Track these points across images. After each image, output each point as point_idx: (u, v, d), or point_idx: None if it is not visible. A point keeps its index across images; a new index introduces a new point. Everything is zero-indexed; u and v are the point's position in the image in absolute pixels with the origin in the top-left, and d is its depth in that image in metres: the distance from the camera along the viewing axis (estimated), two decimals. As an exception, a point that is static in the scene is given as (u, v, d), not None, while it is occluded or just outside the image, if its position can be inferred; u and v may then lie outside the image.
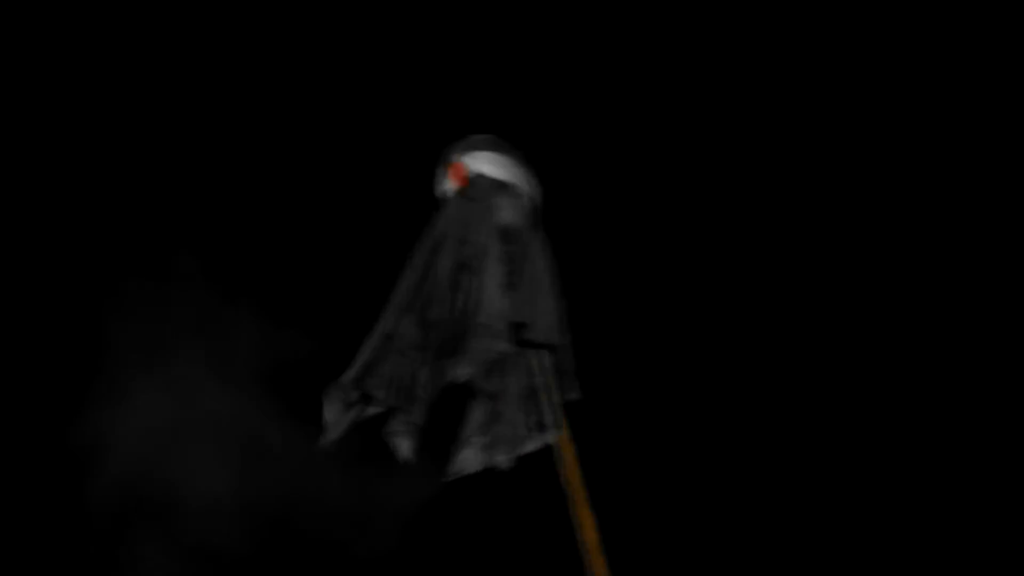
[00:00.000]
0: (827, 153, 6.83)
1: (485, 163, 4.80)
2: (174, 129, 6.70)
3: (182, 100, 6.74)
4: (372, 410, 4.56)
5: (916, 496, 6.47)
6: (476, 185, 4.75)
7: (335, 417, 4.52)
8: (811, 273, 6.70)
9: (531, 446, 4.56)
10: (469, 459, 4.57)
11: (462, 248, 4.65)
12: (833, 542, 6.45)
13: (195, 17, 6.77)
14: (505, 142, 4.90)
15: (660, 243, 6.73)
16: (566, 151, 6.56)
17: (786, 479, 6.52)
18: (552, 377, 4.62)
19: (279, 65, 6.82)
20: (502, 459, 4.56)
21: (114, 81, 6.73)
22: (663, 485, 6.44)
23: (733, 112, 6.83)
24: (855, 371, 6.62)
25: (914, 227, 6.77)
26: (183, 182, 6.66)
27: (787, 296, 6.68)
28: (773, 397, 6.59)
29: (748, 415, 6.56)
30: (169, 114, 6.72)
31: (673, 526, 6.40)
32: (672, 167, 6.80)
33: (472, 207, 4.71)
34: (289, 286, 6.50)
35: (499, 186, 4.76)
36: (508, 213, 4.72)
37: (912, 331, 6.67)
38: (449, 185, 4.80)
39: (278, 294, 6.47)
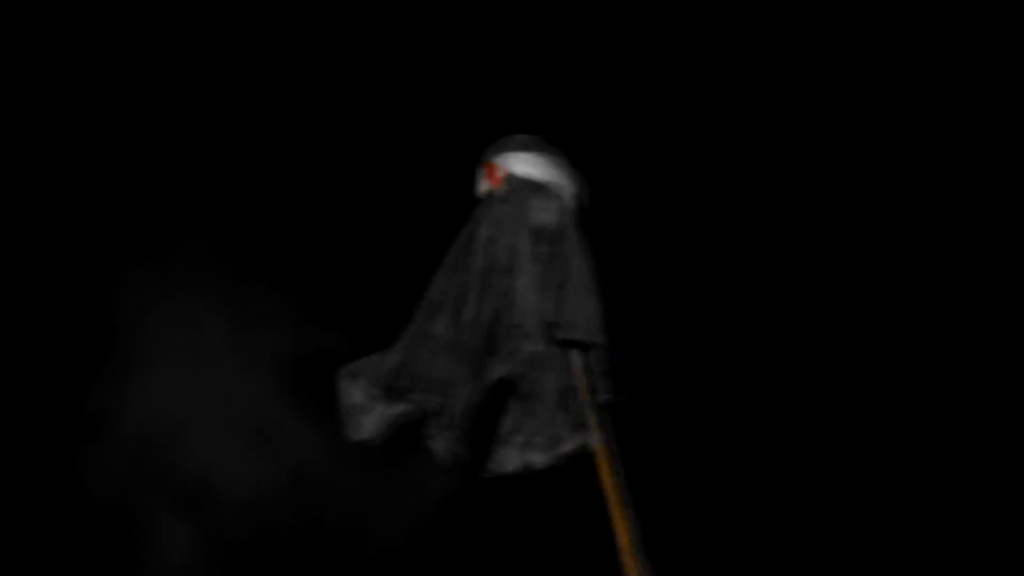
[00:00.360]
0: (872, 158, 6.79)
1: (520, 163, 4.79)
2: (214, 127, 6.74)
3: (224, 101, 6.78)
4: (402, 409, 4.57)
5: (956, 498, 6.43)
6: (511, 185, 4.75)
7: (356, 412, 4.54)
8: (855, 277, 6.66)
9: (568, 447, 4.56)
10: (507, 458, 4.58)
11: (495, 248, 4.65)
12: (871, 546, 6.41)
13: (233, 18, 6.80)
14: (544, 142, 4.89)
15: (703, 244, 6.71)
16: (610, 151, 6.54)
17: (822, 483, 6.48)
18: (590, 377, 4.62)
19: (321, 64, 6.84)
20: (539, 459, 4.56)
21: (162, 78, 6.77)
22: (700, 488, 6.41)
23: (776, 113, 6.80)
24: (900, 377, 6.58)
25: (948, 229, 6.73)
26: (223, 179, 6.70)
27: (830, 300, 6.65)
28: (813, 400, 6.55)
29: (787, 419, 6.52)
30: (209, 113, 6.76)
31: (709, 529, 6.37)
32: (717, 168, 6.78)
33: (507, 207, 4.71)
34: (325, 284, 6.52)
35: (534, 186, 4.76)
36: (543, 213, 4.71)
37: (952, 334, 6.62)
38: (485, 185, 4.81)
39: (314, 291, 6.50)
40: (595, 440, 4.59)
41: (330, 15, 6.84)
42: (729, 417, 6.50)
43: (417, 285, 4.73)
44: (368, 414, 4.58)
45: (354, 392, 4.59)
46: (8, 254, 6.53)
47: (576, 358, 4.64)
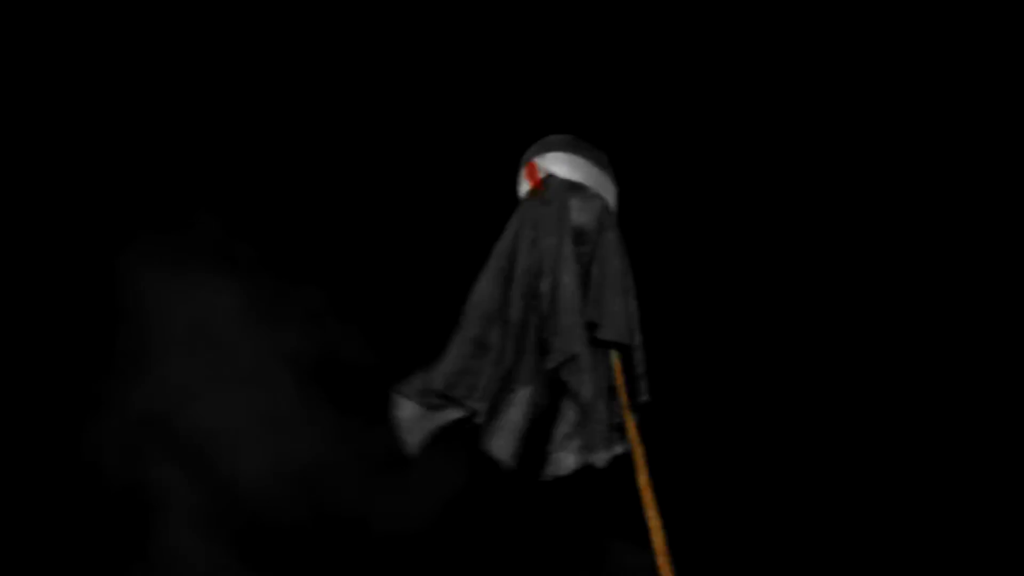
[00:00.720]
0: (913, 164, 6.78)
1: (560, 164, 4.79)
2: (256, 125, 6.74)
3: (257, 101, 6.78)
4: (456, 414, 4.56)
5: (978, 499, 6.42)
6: (550, 186, 4.74)
7: (413, 422, 4.53)
8: (893, 283, 6.64)
9: (621, 448, 4.57)
10: (565, 460, 4.58)
11: (538, 250, 4.64)
12: (901, 548, 6.39)
13: (273, 18, 6.81)
14: (583, 142, 4.89)
15: (739, 246, 6.69)
16: (648, 151, 6.53)
17: (853, 484, 6.47)
18: (626, 378, 4.61)
19: (358, 64, 6.84)
20: (598, 459, 4.57)
21: (195, 78, 6.78)
22: (733, 489, 6.41)
23: (814, 117, 6.78)
24: (935, 380, 6.56)
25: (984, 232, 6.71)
26: (267, 178, 6.71)
27: (865, 304, 6.63)
28: (845, 403, 6.54)
29: (820, 421, 6.51)
30: (251, 112, 6.76)
31: (741, 530, 6.37)
32: (754, 172, 6.76)
33: (548, 209, 4.70)
34: (363, 284, 6.53)
35: (574, 187, 4.76)
36: (583, 214, 4.71)
37: (984, 338, 6.60)
38: (525, 186, 4.80)
39: (351, 291, 6.51)
40: (631, 441, 4.59)
41: (370, 16, 6.84)
42: (762, 419, 6.49)
43: (454, 286, 4.74)
44: (422, 424, 4.56)
45: (407, 406, 4.57)
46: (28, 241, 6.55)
47: (614, 359, 4.64)
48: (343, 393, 6.41)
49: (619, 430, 4.57)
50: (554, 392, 4.60)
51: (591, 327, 4.58)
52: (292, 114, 6.76)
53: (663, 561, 4.44)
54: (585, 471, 4.59)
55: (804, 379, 6.54)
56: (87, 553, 6.31)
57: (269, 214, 6.65)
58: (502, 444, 4.54)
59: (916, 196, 6.75)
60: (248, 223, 6.61)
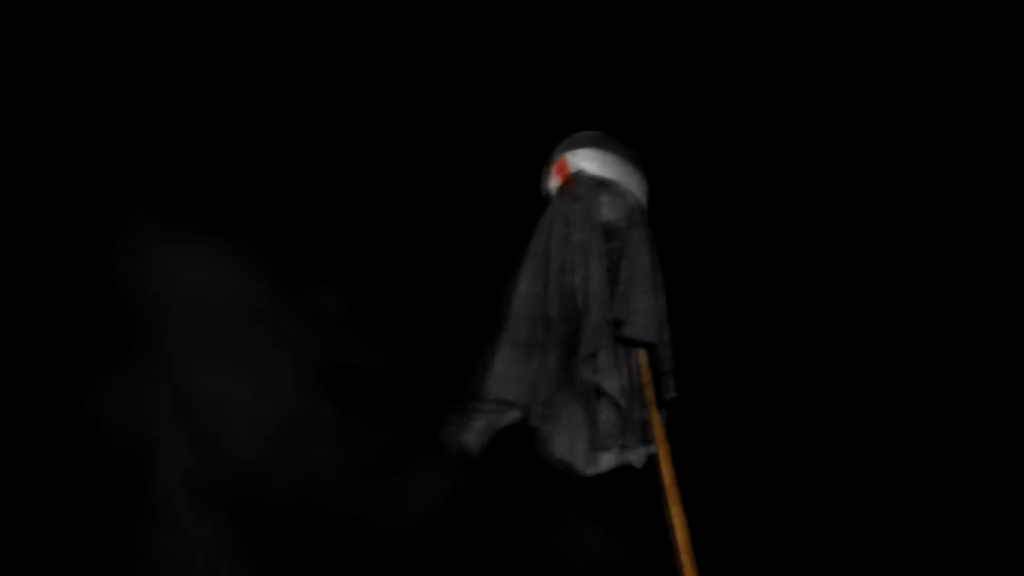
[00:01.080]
0: (943, 157, 6.73)
1: (588, 160, 4.79)
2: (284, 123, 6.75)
3: (279, 98, 6.78)
4: (510, 417, 4.55)
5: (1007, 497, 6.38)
6: (579, 182, 4.75)
7: (471, 429, 4.52)
8: (927, 278, 6.59)
9: (648, 449, 4.57)
10: (603, 458, 4.58)
11: (568, 247, 4.64)
12: (929, 546, 6.36)
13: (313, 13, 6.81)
14: (612, 139, 4.88)
15: (768, 243, 6.66)
16: (676, 147, 6.50)
17: (881, 483, 6.44)
18: (652, 376, 4.61)
19: (383, 60, 6.84)
20: (635, 458, 4.57)
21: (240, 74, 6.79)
22: (757, 489, 6.39)
23: (846, 110, 6.74)
24: (969, 379, 6.52)
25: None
26: (293, 178, 6.72)
27: (897, 300, 6.59)
28: (872, 400, 6.50)
29: (846, 418, 6.48)
30: (283, 108, 6.77)
31: (765, 530, 6.35)
32: (786, 166, 6.72)
33: (576, 205, 4.71)
34: (387, 284, 6.53)
35: (602, 183, 4.76)
36: (612, 210, 4.71)
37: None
38: (554, 182, 4.80)
39: (379, 293, 6.51)
40: (656, 438, 4.58)
41: (396, 9, 6.84)
42: (789, 417, 6.47)
43: (484, 283, 4.74)
44: (476, 427, 4.56)
45: (466, 425, 4.57)
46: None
47: (639, 356, 4.64)
48: (345, 386, 6.42)
49: (646, 428, 4.56)
50: (593, 391, 4.59)
51: (617, 324, 4.58)
52: (312, 109, 6.76)
53: (687, 559, 4.43)
54: (613, 470, 4.60)
55: (834, 378, 6.51)
56: (84, 518, 6.31)
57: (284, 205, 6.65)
58: (564, 445, 4.53)
59: (959, 188, 6.70)
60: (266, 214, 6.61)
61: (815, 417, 6.48)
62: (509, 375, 4.52)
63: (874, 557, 6.37)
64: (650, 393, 4.62)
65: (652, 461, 4.56)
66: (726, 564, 4.80)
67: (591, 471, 4.58)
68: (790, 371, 6.48)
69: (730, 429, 6.36)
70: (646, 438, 4.57)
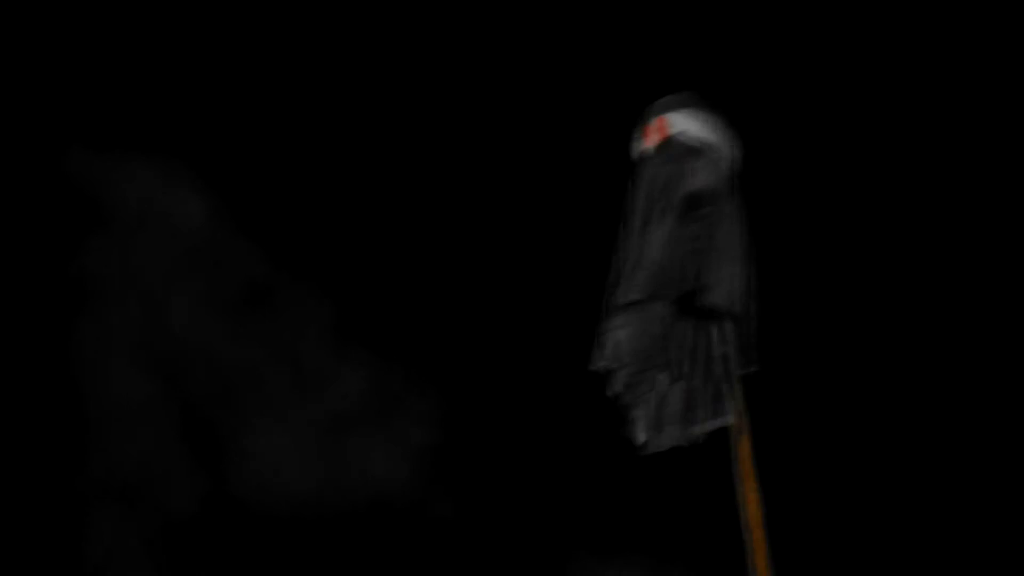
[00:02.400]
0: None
1: (686, 122, 4.68)
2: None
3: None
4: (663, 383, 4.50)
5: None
6: (674, 145, 4.64)
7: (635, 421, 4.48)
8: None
9: (721, 422, 4.49)
10: (670, 435, 4.51)
11: (660, 211, 4.56)
12: (1002, 535, 6.25)
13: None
14: (703, 102, 4.78)
15: (862, 216, 6.51)
16: (770, 113, 6.38)
17: (960, 471, 6.31)
18: (730, 348, 4.52)
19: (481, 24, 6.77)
20: (697, 432, 4.50)
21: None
22: (835, 468, 6.28)
23: (952, 84, 6.55)
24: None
25: None
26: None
27: (991, 286, 6.43)
28: (961, 387, 6.36)
29: (931, 405, 6.35)
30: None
31: (839, 509, 6.25)
32: (882, 139, 6.56)
33: (669, 168, 4.61)
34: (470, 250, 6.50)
35: (693, 148, 4.65)
36: (701, 176, 4.60)
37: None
38: (649, 142, 4.70)
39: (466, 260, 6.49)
40: (734, 411, 4.49)
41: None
42: (874, 397, 6.34)
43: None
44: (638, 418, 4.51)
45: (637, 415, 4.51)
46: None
47: (718, 327, 4.54)
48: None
49: (722, 401, 4.48)
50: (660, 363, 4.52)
51: (701, 292, 4.48)
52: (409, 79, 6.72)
53: (758, 535, 4.36)
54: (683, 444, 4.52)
55: (917, 360, 6.37)
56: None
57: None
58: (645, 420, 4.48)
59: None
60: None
61: (889, 399, 6.35)
62: (646, 347, 4.44)
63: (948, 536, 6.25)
64: (729, 365, 4.52)
65: (724, 435, 4.50)
66: (796, 541, 4.73)
67: (654, 448, 4.51)
68: (878, 349, 6.35)
69: (810, 403, 6.25)
70: (717, 411, 4.48)
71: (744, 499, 4.41)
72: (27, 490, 6.32)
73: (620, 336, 4.46)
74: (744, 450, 4.46)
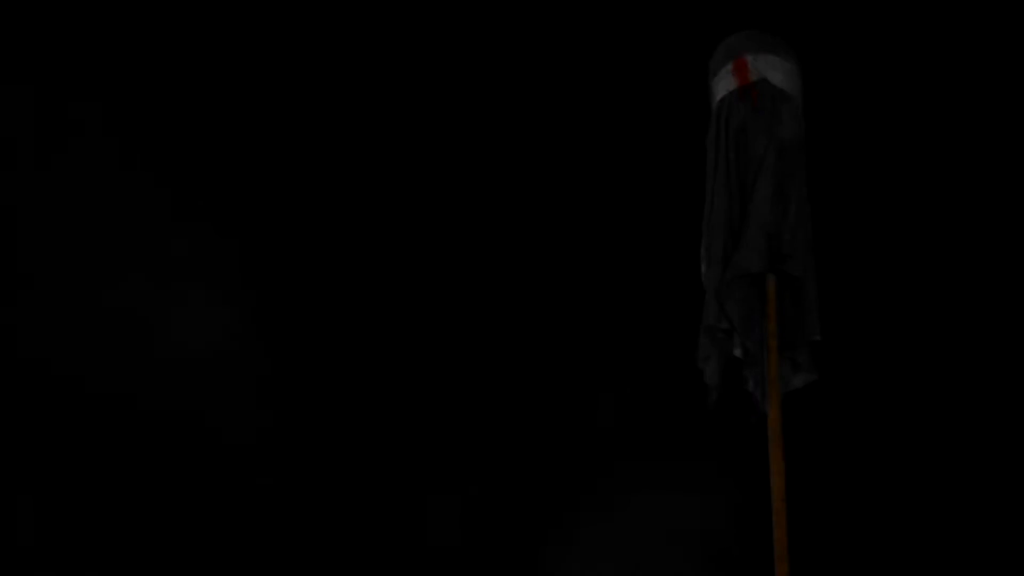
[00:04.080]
0: None
1: (771, 69, 4.43)
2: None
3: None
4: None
5: None
6: (762, 93, 4.39)
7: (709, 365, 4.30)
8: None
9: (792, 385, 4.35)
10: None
11: (745, 158, 4.33)
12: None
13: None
14: (789, 46, 4.53)
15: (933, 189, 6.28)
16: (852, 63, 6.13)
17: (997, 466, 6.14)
18: (799, 312, 4.33)
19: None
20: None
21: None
22: (877, 444, 6.11)
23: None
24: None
25: None
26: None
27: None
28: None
29: (986, 393, 6.15)
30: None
31: (872, 488, 6.10)
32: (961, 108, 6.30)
33: (757, 116, 4.36)
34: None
35: (783, 95, 4.40)
36: (787, 127, 4.36)
37: None
38: (733, 83, 4.44)
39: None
40: (769, 379, 4.33)
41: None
42: (928, 374, 6.12)
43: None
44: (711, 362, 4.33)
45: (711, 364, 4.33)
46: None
47: (788, 290, 4.35)
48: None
49: (794, 368, 4.33)
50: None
51: (782, 258, 4.27)
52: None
53: (779, 506, 4.22)
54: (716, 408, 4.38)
55: (985, 345, 6.15)
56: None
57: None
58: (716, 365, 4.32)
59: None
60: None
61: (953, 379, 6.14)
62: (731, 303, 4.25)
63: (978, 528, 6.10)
64: (798, 332, 4.34)
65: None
66: (819, 517, 4.60)
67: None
68: (940, 326, 6.14)
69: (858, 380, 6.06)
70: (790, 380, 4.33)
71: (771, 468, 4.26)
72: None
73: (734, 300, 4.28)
74: (774, 417, 4.28)
